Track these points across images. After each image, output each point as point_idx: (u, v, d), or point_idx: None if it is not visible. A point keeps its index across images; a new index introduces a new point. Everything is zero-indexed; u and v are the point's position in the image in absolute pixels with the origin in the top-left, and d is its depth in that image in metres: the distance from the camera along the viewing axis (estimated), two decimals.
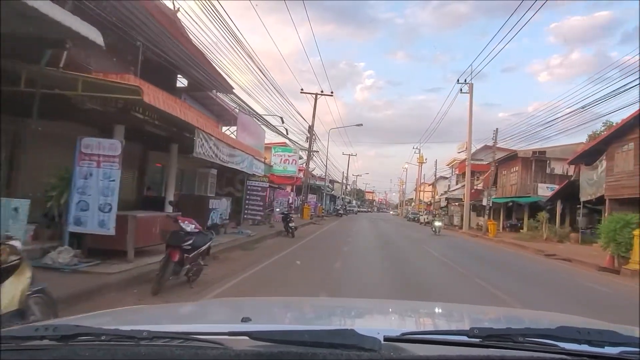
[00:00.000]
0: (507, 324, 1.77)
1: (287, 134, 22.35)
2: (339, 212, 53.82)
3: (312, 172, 49.51)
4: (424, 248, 17.73)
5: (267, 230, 18.50)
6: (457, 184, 51.20)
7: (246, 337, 1.02)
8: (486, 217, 30.18)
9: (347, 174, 73.79)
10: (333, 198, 70.81)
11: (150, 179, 14.14)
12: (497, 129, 29.80)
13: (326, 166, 41.99)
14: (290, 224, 18.28)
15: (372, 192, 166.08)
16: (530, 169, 32.42)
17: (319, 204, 41.35)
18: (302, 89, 33.09)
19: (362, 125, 40.10)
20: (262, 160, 20.85)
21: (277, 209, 21.57)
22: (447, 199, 46.41)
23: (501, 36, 74.69)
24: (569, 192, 25.66)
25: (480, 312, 2.53)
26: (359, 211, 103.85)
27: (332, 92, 33.46)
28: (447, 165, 62.66)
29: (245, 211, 16.12)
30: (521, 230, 32.30)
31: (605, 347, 1.04)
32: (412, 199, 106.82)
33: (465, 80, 36.36)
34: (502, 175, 37.82)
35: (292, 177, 35.35)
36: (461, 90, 36.53)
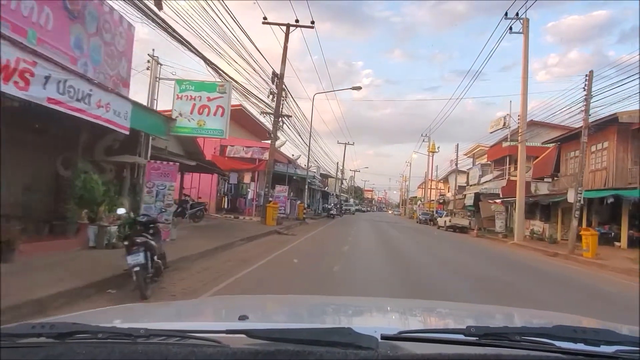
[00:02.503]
0: (504, 322, 1.75)
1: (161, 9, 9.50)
2: (331, 212, 41.33)
3: (295, 160, 37.18)
4: None
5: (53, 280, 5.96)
6: (482, 175, 38.72)
7: (243, 335, 1.01)
8: (575, 221, 17.67)
9: (343, 166, 61.28)
10: (326, 195, 58.45)
11: None
12: (591, 71, 17.49)
13: (309, 146, 29.51)
14: (134, 257, 5.75)
15: (371, 190, 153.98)
16: (633, 144, 20.10)
17: (299, 201, 29.00)
18: (265, 18, 20.71)
19: (360, 88, 27.44)
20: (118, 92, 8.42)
21: (121, 211, 8.80)
22: (477, 194, 33.92)
23: (500, 36, 63.10)
24: None
25: (478, 310, 2.53)
26: (357, 210, 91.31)
27: (312, 23, 21.07)
28: (465, 154, 50.36)
29: None
30: (616, 244, 20.08)
31: (601, 346, 1.03)
32: (415, 197, 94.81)
33: (518, 14, 24.08)
34: (567, 158, 25.42)
35: (252, 158, 22.93)
36: (510, 29, 24.20)
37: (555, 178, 28.35)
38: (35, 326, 1.03)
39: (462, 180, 54.89)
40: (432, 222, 47.12)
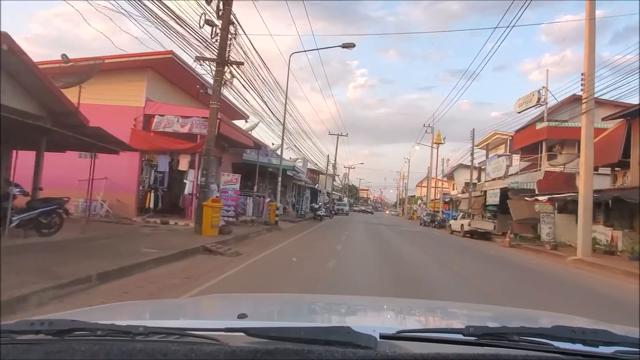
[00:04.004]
0: (502, 322, 1.70)
1: None
2: (318, 213, 33.71)
3: (273, 150, 29.82)
4: None
5: None
6: (509, 166, 31.13)
7: (242, 334, 1.01)
8: None
9: (335, 160, 53.65)
10: (316, 193, 50.96)
11: None
12: None
13: (284, 123, 21.82)
14: None
15: (367, 190, 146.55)
16: None
17: (270, 199, 21.39)
18: None
19: (354, 46, 19.90)
20: None
21: None
22: (505, 190, 26.39)
23: (495, 36, 56.55)
24: None
25: (477, 310, 2.52)
26: (361, 211, 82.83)
27: None
28: (477, 145, 42.87)
29: None
30: None
31: (600, 347, 1.03)
32: (414, 196, 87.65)
33: None
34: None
35: (191, 134, 15.33)
36: None
37: (616, 169, 21.02)
38: (34, 323, 1.02)
39: (468, 176, 47.65)
40: (434, 224, 40.00)
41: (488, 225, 25.61)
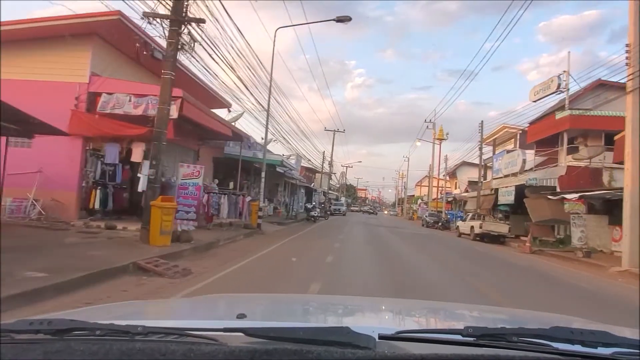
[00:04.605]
0: (501, 323, 1.71)
1: None
2: (311, 213, 30.70)
3: (262, 141, 26.86)
4: None
5: None
6: (524, 160, 28.07)
7: (241, 334, 1.00)
8: None
9: (332, 157, 50.63)
10: (312, 192, 48.09)
11: None
12: None
13: (268, 108, 18.83)
14: None
15: (365, 189, 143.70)
16: None
17: (250, 198, 18.35)
18: None
19: (349, 19, 16.84)
20: None
21: None
22: (521, 187, 23.40)
23: (493, 35, 54.00)
24: None
25: (475, 311, 2.48)
26: (365, 212, 79.44)
27: None
28: (485, 141, 39.85)
29: None
30: None
31: (598, 348, 1.02)
32: (412, 195, 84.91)
33: None
34: None
35: (146, 117, 12.29)
36: None
37: None
38: (33, 322, 1.01)
39: (472, 174, 44.84)
40: (437, 225, 37.24)
41: (502, 228, 22.71)
